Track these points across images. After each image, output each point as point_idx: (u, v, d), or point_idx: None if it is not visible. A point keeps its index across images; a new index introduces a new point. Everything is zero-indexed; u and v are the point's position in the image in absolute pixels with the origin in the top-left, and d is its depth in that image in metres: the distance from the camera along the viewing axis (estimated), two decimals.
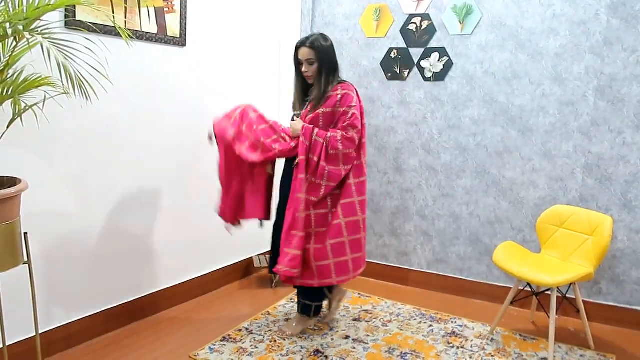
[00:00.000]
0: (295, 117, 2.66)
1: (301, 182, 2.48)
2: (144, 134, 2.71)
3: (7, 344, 2.07)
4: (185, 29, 2.81)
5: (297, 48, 2.55)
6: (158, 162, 2.81)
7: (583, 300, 2.92)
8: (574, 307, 2.76)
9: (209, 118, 3.08)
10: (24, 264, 1.87)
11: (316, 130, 2.50)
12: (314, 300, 2.74)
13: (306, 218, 2.51)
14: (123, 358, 2.42)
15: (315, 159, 2.48)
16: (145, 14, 2.59)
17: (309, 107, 2.56)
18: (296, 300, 2.88)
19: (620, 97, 2.82)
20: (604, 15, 2.80)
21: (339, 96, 2.50)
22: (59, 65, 1.52)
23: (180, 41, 2.80)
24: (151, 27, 2.63)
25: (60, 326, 2.43)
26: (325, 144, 2.48)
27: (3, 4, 1.64)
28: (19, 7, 1.63)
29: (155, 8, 2.63)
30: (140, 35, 2.57)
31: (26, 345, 2.24)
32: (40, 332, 2.15)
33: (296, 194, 2.49)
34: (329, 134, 2.49)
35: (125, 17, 2.49)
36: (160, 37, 2.68)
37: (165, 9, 2.69)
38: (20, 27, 1.46)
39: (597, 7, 2.81)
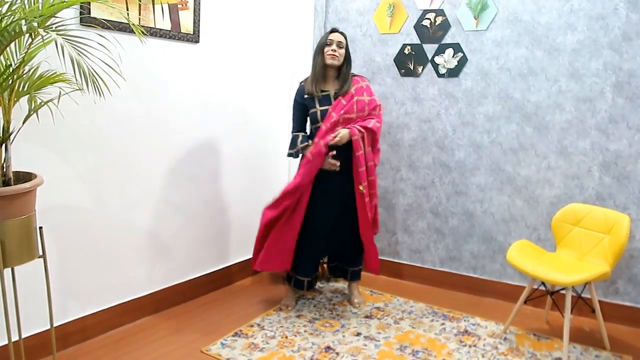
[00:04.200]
0: (314, 102, 2.80)
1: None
2: (157, 130, 2.73)
3: (23, 336, 2.10)
4: (199, 25, 2.82)
5: (331, 32, 2.79)
6: (171, 158, 2.83)
7: (599, 300, 2.87)
8: (590, 307, 2.72)
9: (221, 114, 3.10)
10: (39, 257, 1.90)
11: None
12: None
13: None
14: (137, 351, 2.45)
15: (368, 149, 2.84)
16: (159, 10, 2.60)
17: (341, 97, 2.78)
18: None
19: (639, 93, 2.76)
20: (623, 9, 2.74)
21: (364, 86, 2.84)
22: (72, 61, 1.54)
23: (193, 38, 2.81)
24: (165, 24, 2.64)
25: (75, 319, 2.46)
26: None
27: (19, 1, 1.66)
28: (34, 4, 1.65)
29: (169, 5, 2.64)
30: (153, 32, 2.58)
31: (42, 338, 2.28)
32: (55, 325, 2.18)
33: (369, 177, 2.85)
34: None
35: (140, 14, 2.51)
36: (174, 34, 2.70)
37: (179, 6, 2.70)
38: (35, 24, 1.48)
39: (616, 2, 2.76)
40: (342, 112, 2.73)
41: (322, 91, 2.80)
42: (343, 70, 2.80)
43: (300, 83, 2.89)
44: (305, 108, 2.83)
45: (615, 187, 2.89)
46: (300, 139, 2.81)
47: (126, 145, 2.58)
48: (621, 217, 2.60)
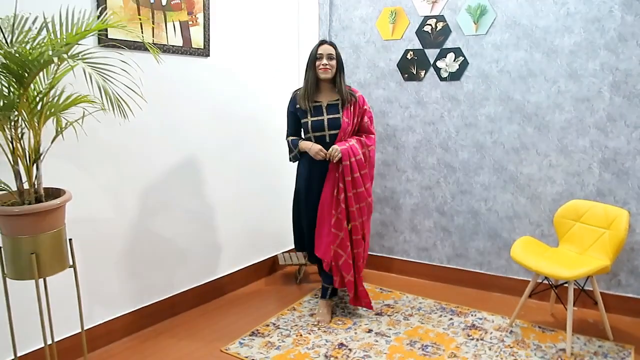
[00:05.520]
0: (307, 113, 2.82)
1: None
2: (172, 141, 2.86)
3: (54, 340, 2.25)
4: (209, 40, 2.95)
5: (319, 45, 2.79)
6: (186, 167, 2.97)
7: (602, 292, 2.98)
8: (592, 300, 2.82)
9: (232, 123, 3.23)
10: (69, 267, 2.04)
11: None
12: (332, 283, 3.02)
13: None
14: (160, 352, 2.59)
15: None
16: (171, 28, 2.73)
17: (350, 108, 2.83)
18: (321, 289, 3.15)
19: (636, 92, 2.85)
20: (618, 11, 2.83)
21: (357, 95, 2.88)
22: (100, 88, 1.67)
23: (204, 52, 2.94)
24: (177, 40, 2.77)
25: (101, 323, 2.61)
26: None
27: (45, 32, 1.80)
28: (60, 34, 1.78)
29: (180, 22, 2.77)
30: (166, 49, 2.71)
31: (71, 341, 2.43)
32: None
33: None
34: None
35: (153, 34, 2.63)
36: (186, 49, 2.83)
37: (190, 22, 2.83)
38: (65, 56, 1.61)
39: (611, 4, 2.84)
40: (347, 120, 2.80)
41: (315, 102, 2.83)
42: (337, 81, 2.81)
43: (294, 92, 2.92)
44: (297, 117, 2.88)
45: (615, 183, 2.98)
46: (291, 140, 2.93)
47: (143, 157, 2.72)
48: (620, 212, 2.70)
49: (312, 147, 2.78)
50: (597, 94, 2.95)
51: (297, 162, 2.99)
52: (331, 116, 2.81)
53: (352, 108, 2.83)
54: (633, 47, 2.82)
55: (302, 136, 2.95)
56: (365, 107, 2.89)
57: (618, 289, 3.05)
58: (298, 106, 2.84)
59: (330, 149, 2.74)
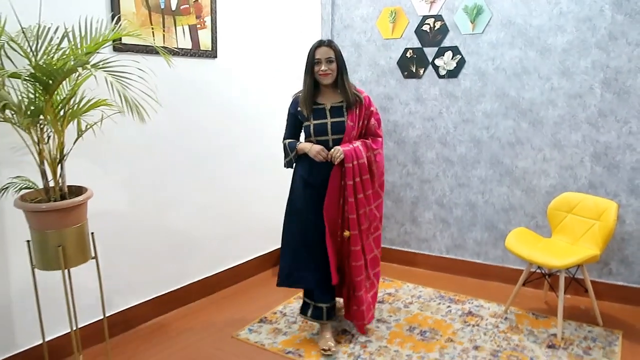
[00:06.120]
0: (313, 124, 2.60)
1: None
2: (183, 139, 3.01)
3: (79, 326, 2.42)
4: (216, 42, 3.09)
5: (316, 48, 2.55)
6: (196, 163, 3.12)
7: (594, 281, 3.12)
8: (584, 287, 2.96)
9: (239, 121, 3.38)
10: (92, 259, 2.20)
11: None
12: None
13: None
14: (175, 338, 2.76)
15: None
16: (180, 31, 2.87)
17: (356, 111, 2.60)
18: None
19: (626, 88, 2.97)
20: (609, 11, 2.95)
21: (363, 96, 2.65)
22: (120, 95, 1.82)
23: (212, 54, 3.08)
24: (186, 43, 2.91)
25: (119, 312, 2.78)
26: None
27: (66, 42, 1.95)
28: (81, 45, 1.93)
29: (189, 26, 2.91)
30: (176, 52, 2.86)
31: (91, 329, 2.60)
32: (102, 317, 2.49)
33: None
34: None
35: (164, 38, 2.78)
36: (195, 52, 2.97)
37: (198, 26, 2.97)
38: (88, 66, 1.76)
39: (602, 4, 2.96)
40: (352, 123, 2.59)
41: (317, 104, 2.62)
42: (340, 83, 2.58)
43: (295, 94, 2.71)
44: (298, 119, 2.68)
45: (606, 176, 3.11)
46: (288, 143, 2.70)
47: (156, 154, 2.87)
48: (610, 204, 2.83)
49: (312, 148, 2.57)
50: (588, 90, 3.07)
51: (290, 168, 2.75)
52: (335, 119, 2.59)
53: (357, 110, 2.61)
54: (623, 45, 2.94)
55: (302, 140, 2.72)
56: (372, 108, 2.66)
57: (609, 277, 3.19)
58: (299, 109, 2.63)
59: (332, 150, 2.53)
